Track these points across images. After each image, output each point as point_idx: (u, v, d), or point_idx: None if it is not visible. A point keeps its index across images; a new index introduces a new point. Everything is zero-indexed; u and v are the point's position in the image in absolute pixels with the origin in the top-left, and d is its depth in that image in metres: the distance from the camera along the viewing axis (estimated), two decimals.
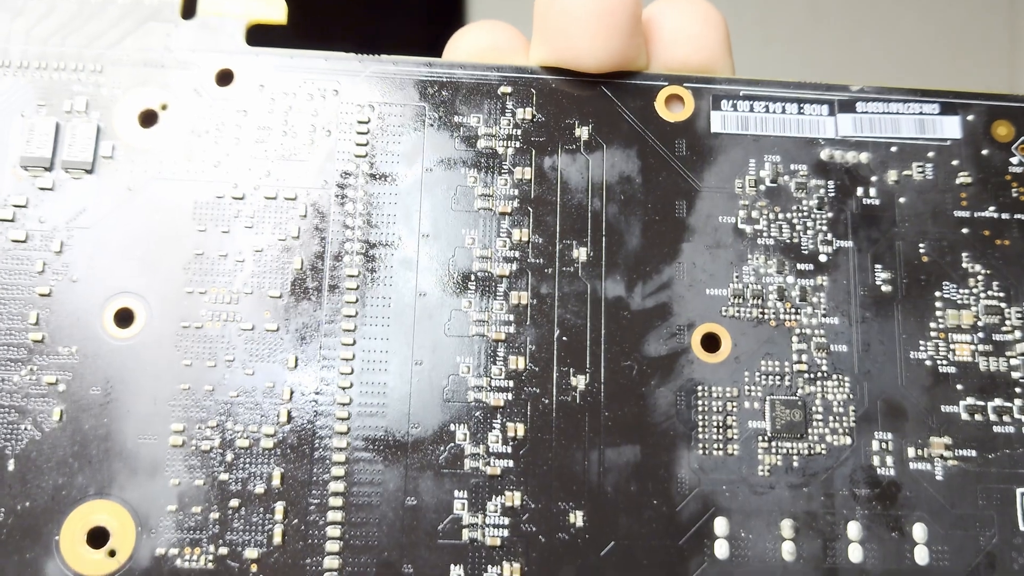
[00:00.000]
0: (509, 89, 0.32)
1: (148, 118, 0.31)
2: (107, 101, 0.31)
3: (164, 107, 0.31)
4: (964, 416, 0.31)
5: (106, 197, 0.30)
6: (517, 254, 0.31)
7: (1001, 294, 0.32)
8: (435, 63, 0.32)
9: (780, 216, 0.32)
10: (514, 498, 0.29)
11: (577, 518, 0.29)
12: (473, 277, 0.31)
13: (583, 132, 0.32)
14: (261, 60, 0.32)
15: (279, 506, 0.29)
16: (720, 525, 0.30)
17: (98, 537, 0.28)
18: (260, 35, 0.32)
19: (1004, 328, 0.31)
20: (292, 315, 0.30)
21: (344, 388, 0.30)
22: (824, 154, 0.32)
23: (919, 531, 0.30)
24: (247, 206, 0.31)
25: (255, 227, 0.31)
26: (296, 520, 0.29)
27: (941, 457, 0.30)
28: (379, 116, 0.32)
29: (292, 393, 0.30)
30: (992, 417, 0.31)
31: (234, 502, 0.29)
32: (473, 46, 0.33)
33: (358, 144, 0.31)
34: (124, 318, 0.30)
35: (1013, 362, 0.31)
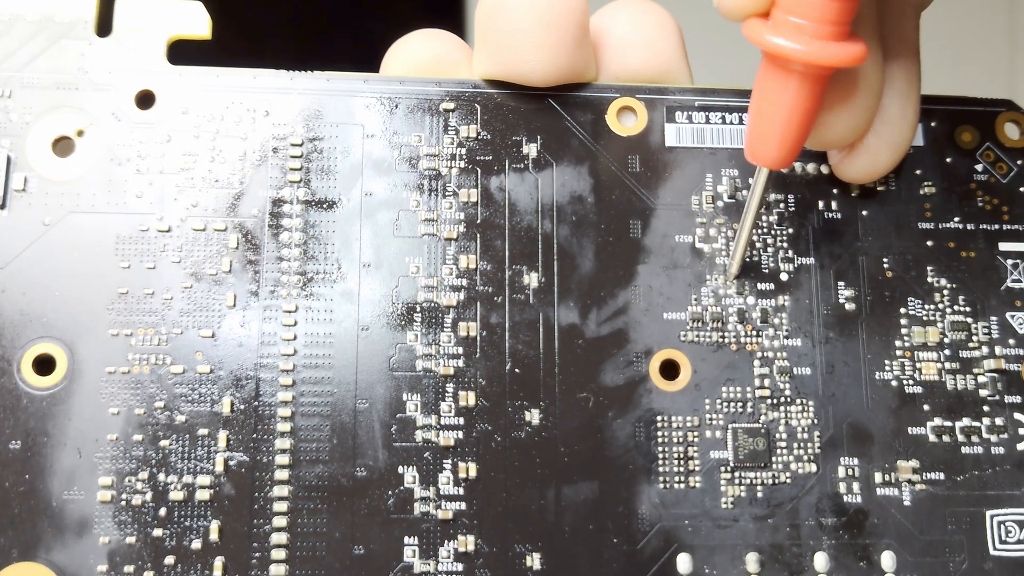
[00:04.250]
0: (452, 105, 0.30)
1: (63, 146, 0.29)
2: (18, 128, 0.29)
3: (80, 133, 0.29)
4: (931, 438, 0.30)
5: (20, 234, 0.28)
6: (465, 282, 0.29)
7: (967, 309, 0.31)
8: (371, 78, 0.30)
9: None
10: (467, 543, 0.28)
11: (534, 561, 0.28)
12: (419, 308, 0.29)
13: (531, 149, 0.30)
14: (185, 80, 0.30)
15: (218, 562, 0.27)
16: (683, 562, 0.28)
17: None
18: (261, 51, 0.30)
19: (971, 344, 0.30)
20: (226, 356, 0.28)
21: (284, 433, 0.28)
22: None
23: (887, 559, 0.29)
24: (174, 239, 0.29)
25: (183, 262, 0.29)
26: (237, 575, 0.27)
27: (909, 482, 0.29)
28: (313, 138, 0.30)
29: (229, 440, 0.28)
30: (960, 438, 0.30)
31: (169, 559, 0.27)
32: (413, 58, 0.31)
33: (292, 169, 0.29)
34: (44, 365, 0.28)
35: (981, 379, 0.30)
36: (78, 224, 0.29)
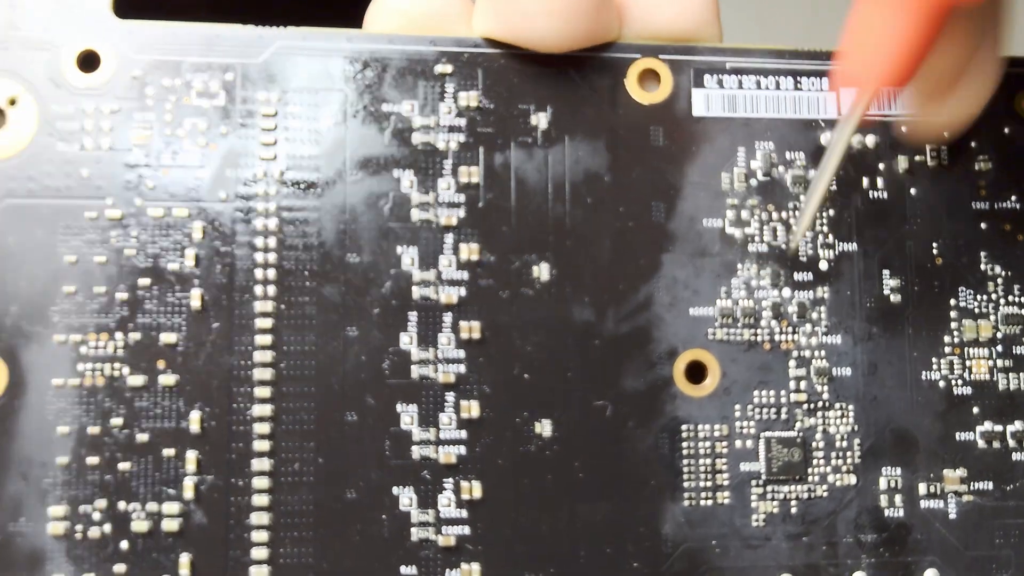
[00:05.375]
0: (449, 68, 0.26)
1: None
2: None
3: (13, 102, 0.25)
4: (980, 444, 0.27)
5: None
6: (466, 276, 0.26)
7: (1023, 299, 0.28)
8: (355, 36, 0.26)
9: (775, 216, 0.27)
10: (472, 571, 0.25)
11: None
12: (414, 307, 0.25)
13: (540, 120, 0.26)
14: (135, 37, 0.25)
15: None
16: None
17: None
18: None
19: None
20: (193, 364, 0.25)
21: (262, 452, 0.24)
22: (825, 138, 0.27)
23: None
24: (128, 228, 0.25)
25: (140, 254, 0.25)
26: None
27: (955, 493, 0.27)
28: (288, 106, 0.26)
29: (199, 461, 0.24)
30: (1011, 443, 0.27)
31: None
32: (403, 12, 0.26)
33: (264, 144, 0.25)
34: None
35: None
36: (14, 211, 0.24)
